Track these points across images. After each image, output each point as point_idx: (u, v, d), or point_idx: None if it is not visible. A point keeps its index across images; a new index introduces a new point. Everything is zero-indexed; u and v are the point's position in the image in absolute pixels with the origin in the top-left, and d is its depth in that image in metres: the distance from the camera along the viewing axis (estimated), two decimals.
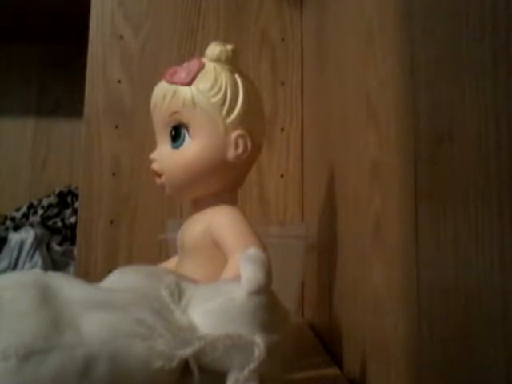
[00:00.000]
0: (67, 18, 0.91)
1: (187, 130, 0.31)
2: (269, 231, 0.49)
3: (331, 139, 0.51)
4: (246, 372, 0.20)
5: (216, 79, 0.31)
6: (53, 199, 0.96)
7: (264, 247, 0.28)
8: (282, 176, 0.73)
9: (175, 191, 0.33)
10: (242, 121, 0.31)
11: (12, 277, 0.23)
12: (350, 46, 0.43)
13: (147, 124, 0.34)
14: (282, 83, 0.75)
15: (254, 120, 0.32)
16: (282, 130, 0.74)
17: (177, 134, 0.32)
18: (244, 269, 0.22)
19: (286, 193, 0.72)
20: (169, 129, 0.32)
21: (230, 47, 0.32)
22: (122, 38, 0.74)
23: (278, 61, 0.75)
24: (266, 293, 0.21)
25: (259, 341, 0.20)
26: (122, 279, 0.25)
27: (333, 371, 0.41)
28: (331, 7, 0.53)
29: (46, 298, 0.21)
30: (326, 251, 0.50)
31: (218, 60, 0.32)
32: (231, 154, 0.31)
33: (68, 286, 0.22)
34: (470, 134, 0.21)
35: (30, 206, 0.95)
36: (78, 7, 0.77)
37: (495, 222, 0.18)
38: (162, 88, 0.32)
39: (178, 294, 0.23)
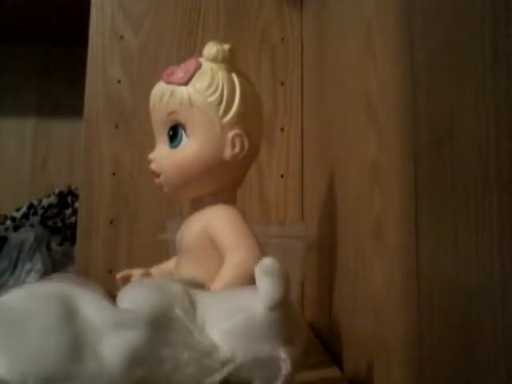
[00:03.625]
0: (67, 17, 0.91)
1: (184, 130, 0.31)
2: (269, 231, 0.48)
3: (331, 139, 0.51)
4: None
5: (213, 79, 0.31)
6: (53, 199, 0.95)
7: (261, 247, 0.28)
8: (282, 176, 0.73)
9: (173, 191, 0.33)
10: (239, 120, 0.31)
11: (37, 289, 0.22)
12: (350, 46, 0.43)
13: (147, 124, 0.34)
14: (282, 83, 0.75)
15: (251, 119, 0.32)
16: (282, 129, 0.74)
17: (174, 134, 0.32)
18: (262, 282, 0.21)
19: (285, 193, 0.72)
20: (167, 129, 0.32)
21: (226, 47, 0.32)
22: (122, 37, 0.74)
23: (278, 61, 0.75)
24: (285, 306, 0.21)
25: (285, 356, 0.20)
26: (135, 298, 0.23)
27: (333, 371, 0.41)
28: (331, 7, 0.53)
29: (69, 315, 0.20)
30: (325, 251, 0.50)
31: (214, 60, 0.32)
32: (228, 153, 0.31)
33: (91, 304, 0.21)
34: (469, 134, 0.21)
35: (30, 206, 0.94)
36: (77, 7, 0.77)
37: (495, 222, 0.18)
38: (159, 88, 0.32)
39: (192, 309, 0.22)
